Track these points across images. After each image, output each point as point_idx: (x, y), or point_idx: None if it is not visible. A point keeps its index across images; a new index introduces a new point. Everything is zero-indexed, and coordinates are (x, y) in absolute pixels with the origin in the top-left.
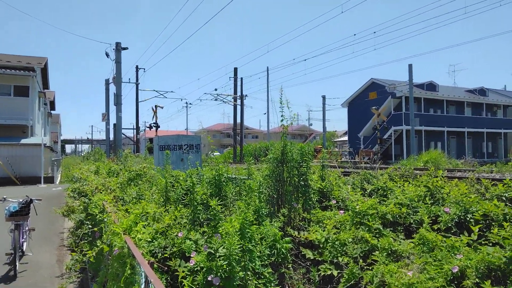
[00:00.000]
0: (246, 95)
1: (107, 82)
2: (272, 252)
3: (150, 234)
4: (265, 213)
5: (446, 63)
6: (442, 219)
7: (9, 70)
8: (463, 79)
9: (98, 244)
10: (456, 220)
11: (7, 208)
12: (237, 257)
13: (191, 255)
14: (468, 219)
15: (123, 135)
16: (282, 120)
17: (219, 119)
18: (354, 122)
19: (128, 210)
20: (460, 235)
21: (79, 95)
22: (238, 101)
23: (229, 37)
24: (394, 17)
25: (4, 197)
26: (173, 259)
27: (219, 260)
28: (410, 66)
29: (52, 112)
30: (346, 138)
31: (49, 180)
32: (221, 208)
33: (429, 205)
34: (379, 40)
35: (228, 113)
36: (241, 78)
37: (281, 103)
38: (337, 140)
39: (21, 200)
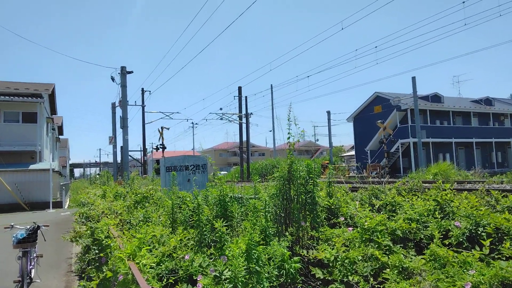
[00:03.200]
0: (251, 113)
1: (113, 106)
2: (281, 272)
3: (157, 258)
4: (272, 233)
5: (450, 74)
6: (453, 234)
7: (17, 98)
8: (468, 89)
9: (104, 270)
10: (467, 234)
11: (14, 235)
12: (243, 280)
13: (198, 279)
14: (479, 232)
15: (130, 157)
16: (289, 138)
17: (225, 138)
18: (360, 136)
19: (134, 234)
20: (472, 249)
21: (87, 119)
22: (244, 120)
23: (232, 56)
24: (394, 31)
25: (12, 224)
26: (179, 284)
27: (225, 283)
28: (413, 78)
29: (60, 137)
30: (353, 152)
31: (58, 205)
32: (227, 229)
33: (439, 220)
34: (380, 54)
35: (234, 131)
36: (246, 97)
37: (288, 120)
38: (344, 155)
39: (28, 226)
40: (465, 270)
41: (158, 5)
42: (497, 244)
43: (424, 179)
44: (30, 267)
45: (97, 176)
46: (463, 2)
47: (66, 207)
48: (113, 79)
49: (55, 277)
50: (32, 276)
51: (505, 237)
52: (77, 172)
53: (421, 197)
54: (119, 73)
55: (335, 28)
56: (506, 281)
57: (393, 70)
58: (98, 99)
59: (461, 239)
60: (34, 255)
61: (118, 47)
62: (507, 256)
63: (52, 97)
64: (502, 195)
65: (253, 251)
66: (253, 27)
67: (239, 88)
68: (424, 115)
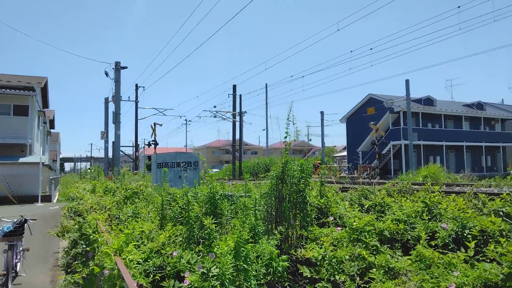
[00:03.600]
0: (245, 112)
1: (106, 101)
2: (268, 270)
3: (145, 254)
4: (261, 231)
5: (443, 78)
6: (439, 235)
7: (9, 90)
8: (460, 93)
9: (91, 265)
10: (453, 236)
11: (0, 228)
12: (231, 277)
13: (185, 275)
14: (465, 235)
15: (122, 153)
16: (286, 137)
17: (218, 136)
18: (353, 137)
19: (122, 230)
20: (457, 251)
21: (79, 113)
22: (237, 118)
23: (227, 54)
24: (389, 33)
25: None
26: (166, 280)
27: (212, 280)
28: (407, 81)
29: (52, 130)
30: (345, 153)
31: (47, 199)
32: (216, 226)
33: (427, 221)
34: (375, 56)
35: (227, 129)
36: (240, 95)
37: (288, 119)
38: (336, 155)
39: (15, 220)
40: (449, 271)
41: (157, 4)
42: (482, 246)
43: (414, 181)
44: (16, 260)
45: (88, 170)
46: (459, 6)
47: (55, 201)
48: (106, 74)
49: (41, 271)
50: (17, 270)
51: (490, 240)
52: (68, 166)
53: (409, 198)
54: (113, 68)
55: (331, 29)
56: (489, 282)
57: (388, 72)
58: (91, 95)
59: (447, 241)
60: (21, 248)
61: (117, 46)
62: (491, 258)
63: (44, 90)
64: (489, 198)
65: (241, 248)
66: (249, 26)
67: (234, 86)
68: (416, 118)
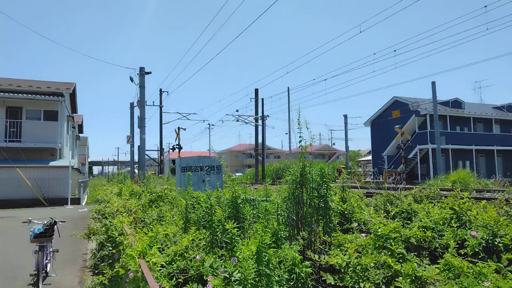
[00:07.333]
0: (267, 116)
1: (131, 106)
2: (291, 276)
3: (169, 257)
4: (284, 236)
5: (471, 79)
6: (468, 244)
7: (39, 96)
8: (490, 95)
9: (116, 267)
10: (483, 244)
11: (32, 230)
12: (253, 282)
13: (208, 279)
14: (496, 243)
15: (147, 157)
16: (300, 141)
17: (241, 140)
18: (378, 141)
19: (146, 232)
20: (488, 260)
21: (106, 117)
22: (260, 122)
23: (249, 59)
24: (414, 35)
25: (30, 219)
26: (190, 283)
27: (235, 284)
28: (433, 83)
29: (80, 135)
30: (370, 157)
31: (76, 201)
32: (238, 230)
33: (455, 229)
34: (399, 58)
35: (250, 133)
36: (262, 99)
37: (299, 123)
38: (361, 159)
39: (45, 222)
40: (479, 282)
41: (173, 5)
42: None
43: (442, 187)
44: (46, 261)
45: (114, 174)
46: (485, 6)
47: (83, 203)
48: (131, 79)
49: (70, 272)
50: (47, 270)
51: None
52: (96, 169)
53: (437, 205)
54: (137, 74)
55: (353, 31)
56: None
57: (413, 75)
58: (118, 99)
59: (477, 250)
60: (50, 249)
61: (135, 48)
62: None
63: (73, 96)
64: None
65: (263, 253)
66: (270, 30)
67: (256, 90)
68: (444, 121)
